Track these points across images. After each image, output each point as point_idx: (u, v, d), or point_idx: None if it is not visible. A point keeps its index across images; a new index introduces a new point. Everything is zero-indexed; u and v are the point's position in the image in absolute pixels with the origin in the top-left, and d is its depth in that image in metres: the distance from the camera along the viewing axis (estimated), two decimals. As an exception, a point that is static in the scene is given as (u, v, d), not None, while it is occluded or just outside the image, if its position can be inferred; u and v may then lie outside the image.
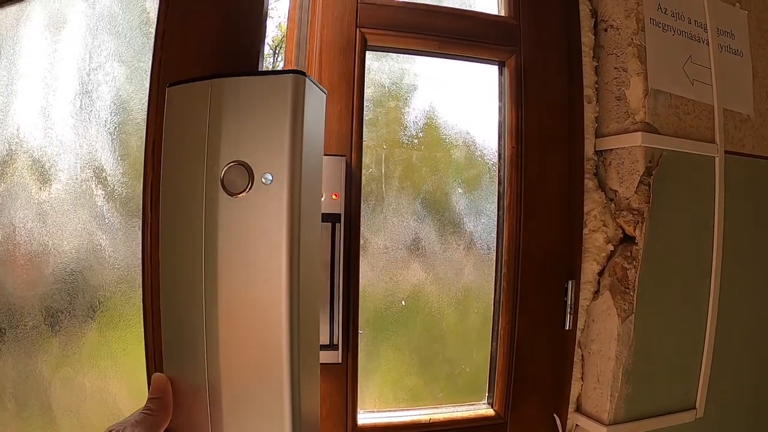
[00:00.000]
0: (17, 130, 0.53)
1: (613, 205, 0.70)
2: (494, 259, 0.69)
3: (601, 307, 0.69)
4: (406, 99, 0.67)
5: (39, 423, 0.55)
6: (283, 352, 0.33)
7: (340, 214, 0.57)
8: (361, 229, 0.61)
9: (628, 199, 0.67)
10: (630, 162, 0.67)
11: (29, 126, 0.53)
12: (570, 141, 0.69)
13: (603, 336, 0.68)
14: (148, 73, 0.45)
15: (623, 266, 0.67)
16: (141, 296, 0.48)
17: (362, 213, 0.61)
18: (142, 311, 0.47)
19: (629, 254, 0.66)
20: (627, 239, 0.68)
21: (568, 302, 0.69)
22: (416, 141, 0.67)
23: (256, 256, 0.34)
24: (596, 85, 0.72)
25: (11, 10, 0.55)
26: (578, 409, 0.72)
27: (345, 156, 0.58)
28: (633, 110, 0.67)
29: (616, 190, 0.69)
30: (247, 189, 0.34)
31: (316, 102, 0.36)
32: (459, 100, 0.69)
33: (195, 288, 0.35)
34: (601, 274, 0.71)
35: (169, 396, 0.35)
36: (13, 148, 0.53)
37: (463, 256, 0.69)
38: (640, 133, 0.65)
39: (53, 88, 0.53)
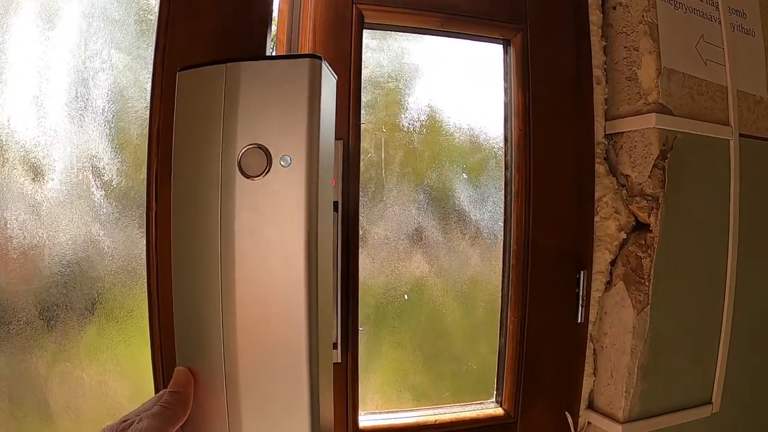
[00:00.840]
0: (8, 120, 0.54)
1: (624, 190, 0.69)
2: (502, 250, 0.69)
3: (614, 299, 0.69)
4: (406, 80, 0.66)
5: (35, 421, 0.55)
6: (302, 341, 0.35)
7: (337, 202, 0.57)
8: (360, 218, 0.60)
9: (641, 184, 0.67)
10: (643, 145, 0.67)
11: (21, 115, 0.53)
12: (579, 124, 0.69)
13: (616, 329, 0.68)
14: (147, 60, 0.45)
15: (637, 255, 0.66)
16: (143, 286, 0.48)
17: (361, 201, 0.61)
18: (147, 302, 0.48)
19: (643, 242, 0.66)
20: (640, 227, 0.68)
21: (580, 294, 0.69)
22: (418, 124, 0.66)
23: (274, 237, 0.35)
24: (605, 66, 0.72)
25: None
26: (590, 406, 0.72)
27: (342, 139, 0.58)
28: (645, 90, 0.66)
29: (628, 175, 0.69)
30: (265, 172, 0.35)
31: (329, 86, 0.38)
32: (463, 81, 0.68)
33: (211, 274, 0.36)
34: (613, 263, 0.70)
35: (190, 391, 0.36)
36: (3, 139, 0.53)
37: (468, 246, 0.68)
38: (653, 114, 0.64)
39: (46, 76, 0.53)
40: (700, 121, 0.69)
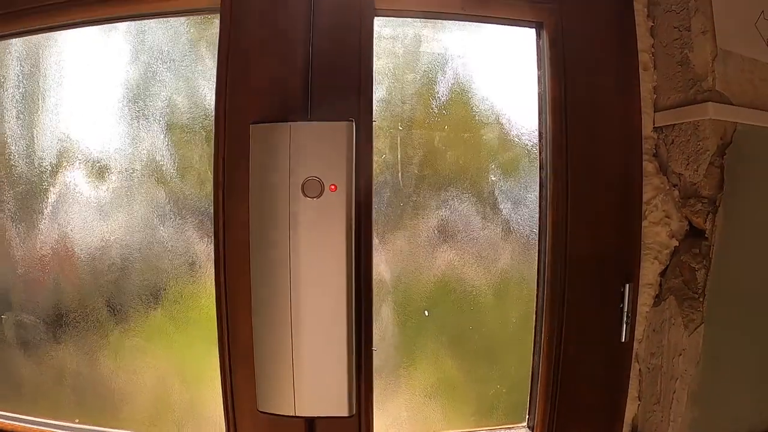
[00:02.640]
0: (84, 141, 0.66)
1: (677, 192, 0.65)
2: (536, 260, 0.66)
3: (663, 315, 0.65)
4: (425, 71, 0.64)
5: (97, 409, 0.66)
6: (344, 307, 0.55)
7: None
8: (373, 227, 0.61)
9: (695, 184, 0.62)
10: (697, 139, 0.62)
11: (100, 140, 0.66)
12: (624, 116, 0.66)
13: (665, 349, 0.65)
14: (203, 98, 0.64)
15: (691, 266, 0.62)
16: (202, 282, 0.64)
17: (375, 209, 0.60)
18: (215, 293, 0.60)
19: (698, 251, 0.62)
20: (695, 233, 0.64)
21: (625, 309, 0.65)
22: (439, 120, 0.64)
23: (326, 238, 0.55)
24: (653, 50, 0.68)
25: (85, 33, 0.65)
26: (635, 434, 0.67)
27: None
28: (699, 76, 0.62)
29: (680, 174, 0.65)
30: (320, 195, 0.54)
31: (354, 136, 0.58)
32: (489, 71, 0.66)
33: (282, 264, 0.55)
34: (663, 275, 0.67)
35: None
36: (68, 155, 0.65)
37: (498, 256, 0.66)
38: (709, 103, 0.60)
39: (123, 105, 0.66)
40: (763, 110, 0.64)
